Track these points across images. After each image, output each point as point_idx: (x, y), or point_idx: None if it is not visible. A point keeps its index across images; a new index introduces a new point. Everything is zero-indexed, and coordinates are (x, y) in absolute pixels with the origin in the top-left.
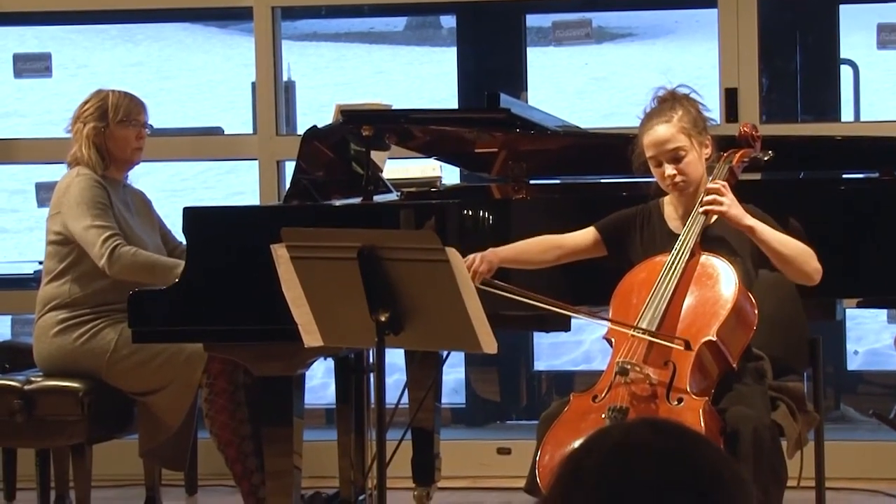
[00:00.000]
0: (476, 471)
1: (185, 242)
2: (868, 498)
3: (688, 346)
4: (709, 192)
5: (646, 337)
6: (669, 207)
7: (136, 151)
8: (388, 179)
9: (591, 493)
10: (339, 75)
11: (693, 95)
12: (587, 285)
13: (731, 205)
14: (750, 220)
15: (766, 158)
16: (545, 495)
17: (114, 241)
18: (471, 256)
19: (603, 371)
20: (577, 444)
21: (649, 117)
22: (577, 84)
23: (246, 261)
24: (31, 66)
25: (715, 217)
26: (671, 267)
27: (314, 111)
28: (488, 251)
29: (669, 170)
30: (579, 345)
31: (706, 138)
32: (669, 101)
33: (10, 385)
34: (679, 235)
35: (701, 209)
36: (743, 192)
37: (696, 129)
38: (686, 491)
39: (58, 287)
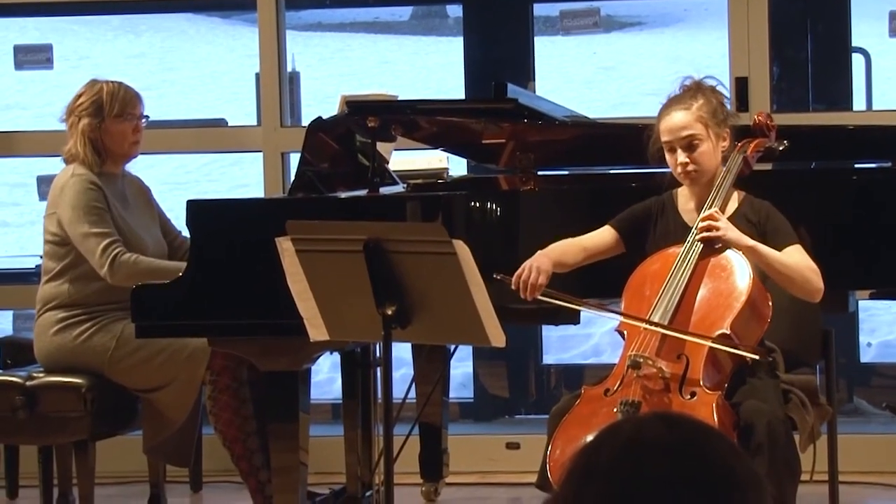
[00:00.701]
0: (484, 466)
1: (185, 233)
2: (882, 491)
3: (762, 355)
4: (702, 219)
5: (695, 340)
6: (683, 198)
7: (134, 145)
8: (394, 171)
9: (603, 489)
10: (344, 66)
11: (719, 88)
12: (598, 277)
13: (726, 229)
14: (749, 241)
15: (780, 148)
16: (556, 491)
17: (113, 249)
18: (524, 267)
19: (614, 364)
20: (588, 439)
21: (669, 103)
22: (585, 74)
23: (250, 254)
24: (32, 57)
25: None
26: (684, 258)
27: (319, 102)
28: (539, 258)
29: (682, 157)
30: (589, 338)
31: (724, 131)
32: (692, 90)
33: (11, 381)
34: (692, 227)
35: (697, 237)
36: (755, 183)
37: (715, 120)
38: (699, 486)
39: (56, 287)
